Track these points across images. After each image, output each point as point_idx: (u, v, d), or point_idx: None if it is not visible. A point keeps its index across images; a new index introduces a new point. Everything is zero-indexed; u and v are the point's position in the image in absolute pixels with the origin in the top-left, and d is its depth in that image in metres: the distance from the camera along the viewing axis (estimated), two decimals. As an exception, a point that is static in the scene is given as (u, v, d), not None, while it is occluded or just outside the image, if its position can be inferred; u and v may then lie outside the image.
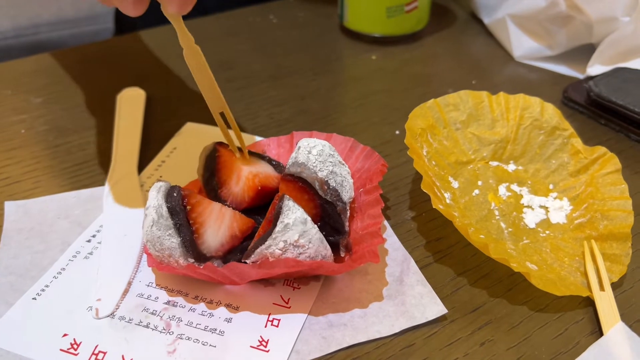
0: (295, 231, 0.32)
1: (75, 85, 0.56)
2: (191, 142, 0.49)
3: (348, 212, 0.36)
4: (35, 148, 0.48)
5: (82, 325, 0.34)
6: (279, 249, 0.32)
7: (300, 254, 0.32)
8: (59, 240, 0.39)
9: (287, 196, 0.33)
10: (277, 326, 0.34)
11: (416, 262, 0.38)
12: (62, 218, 0.41)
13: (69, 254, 0.38)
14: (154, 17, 0.77)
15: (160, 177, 0.45)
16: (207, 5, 0.75)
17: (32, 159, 0.47)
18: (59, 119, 0.51)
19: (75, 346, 0.33)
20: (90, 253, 0.38)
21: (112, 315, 0.34)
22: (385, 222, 0.41)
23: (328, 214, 0.35)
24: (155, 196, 0.34)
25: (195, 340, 0.33)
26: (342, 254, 0.35)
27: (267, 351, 0.32)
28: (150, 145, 0.48)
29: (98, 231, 0.40)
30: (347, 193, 0.36)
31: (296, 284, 0.36)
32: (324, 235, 0.34)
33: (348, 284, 0.36)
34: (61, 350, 0.33)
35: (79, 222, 0.41)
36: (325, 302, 0.35)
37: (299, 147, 0.36)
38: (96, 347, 0.33)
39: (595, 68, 0.55)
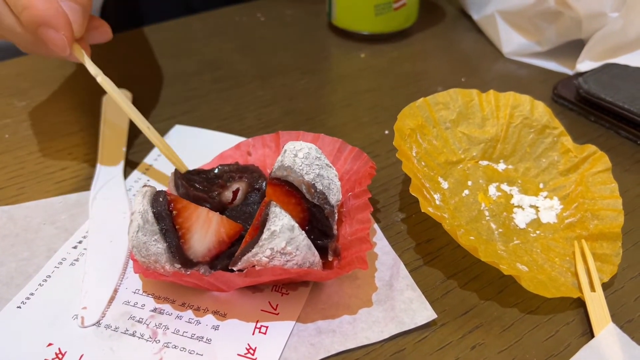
0: (282, 238, 0.31)
1: (60, 88, 0.55)
2: (180, 144, 0.48)
3: (336, 215, 0.36)
4: (20, 153, 0.47)
5: (68, 334, 0.33)
6: (266, 257, 0.31)
7: (287, 261, 0.32)
8: (44, 247, 0.39)
9: (274, 202, 0.32)
10: (264, 333, 0.33)
11: (406, 265, 0.38)
12: (48, 224, 0.41)
13: (55, 260, 0.38)
14: (140, 18, 0.76)
15: (148, 181, 0.44)
16: (192, 3, 0.74)
17: (16, 164, 0.46)
18: (43, 122, 0.51)
19: (60, 356, 0.32)
20: (77, 260, 0.38)
21: (97, 323, 0.34)
22: (375, 226, 0.40)
23: (316, 218, 0.35)
24: (141, 201, 0.33)
25: (181, 349, 0.33)
26: (330, 258, 0.35)
27: (255, 359, 0.32)
28: (137, 148, 0.47)
29: (84, 237, 0.40)
30: (335, 196, 0.35)
31: (285, 289, 0.35)
32: (312, 239, 0.34)
33: (337, 289, 0.36)
34: None
35: (66, 228, 0.40)
36: (314, 308, 0.35)
37: (285, 150, 0.35)
38: (81, 356, 0.32)
39: (584, 64, 0.55)
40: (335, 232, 0.35)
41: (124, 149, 0.47)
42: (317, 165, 0.35)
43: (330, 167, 0.36)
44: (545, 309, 0.35)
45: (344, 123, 0.51)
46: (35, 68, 0.58)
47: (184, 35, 0.65)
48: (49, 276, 0.37)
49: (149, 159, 0.46)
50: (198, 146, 0.48)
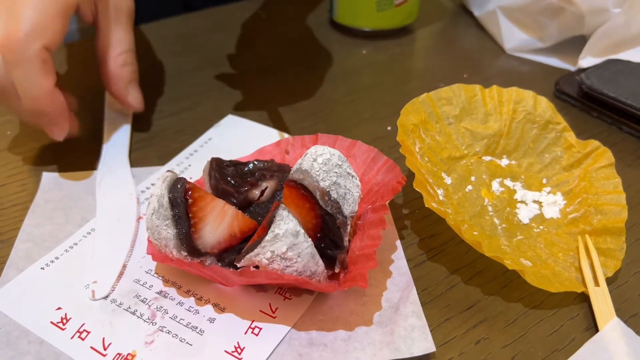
0: (284, 243, 0.31)
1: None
2: (228, 134, 0.49)
3: (349, 227, 0.34)
4: (21, 150, 0.47)
5: (77, 302, 0.35)
6: (266, 259, 0.31)
7: (287, 266, 0.31)
8: (79, 216, 0.40)
9: (284, 205, 0.32)
10: (257, 335, 0.33)
11: (409, 260, 0.37)
12: (89, 194, 0.42)
13: (84, 230, 0.39)
14: (140, 16, 0.75)
15: (189, 165, 0.45)
16: (192, 2, 0.74)
17: (17, 161, 0.46)
18: (45, 119, 0.50)
19: (64, 321, 0.33)
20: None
21: (106, 297, 0.35)
22: (398, 242, 0.39)
23: (328, 226, 0.33)
24: (160, 185, 0.34)
25: (174, 335, 0.33)
26: (337, 270, 0.34)
27: (240, 359, 0.31)
28: (143, 137, 0.47)
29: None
30: (350, 207, 0.34)
31: (288, 294, 0.35)
32: (323, 248, 0.33)
33: (341, 302, 0.35)
34: (51, 322, 0.33)
35: None
36: (312, 318, 0.34)
37: (307, 153, 0.34)
38: (82, 325, 0.33)
39: (586, 60, 0.55)
40: (346, 243, 0.34)
41: (129, 131, 0.48)
42: (336, 172, 0.34)
43: (352, 176, 0.35)
44: (549, 304, 0.35)
45: (345, 119, 0.51)
46: (36, 65, 0.58)
47: (186, 32, 0.65)
48: (76, 244, 0.38)
49: (196, 144, 0.47)
50: (245, 137, 0.49)
